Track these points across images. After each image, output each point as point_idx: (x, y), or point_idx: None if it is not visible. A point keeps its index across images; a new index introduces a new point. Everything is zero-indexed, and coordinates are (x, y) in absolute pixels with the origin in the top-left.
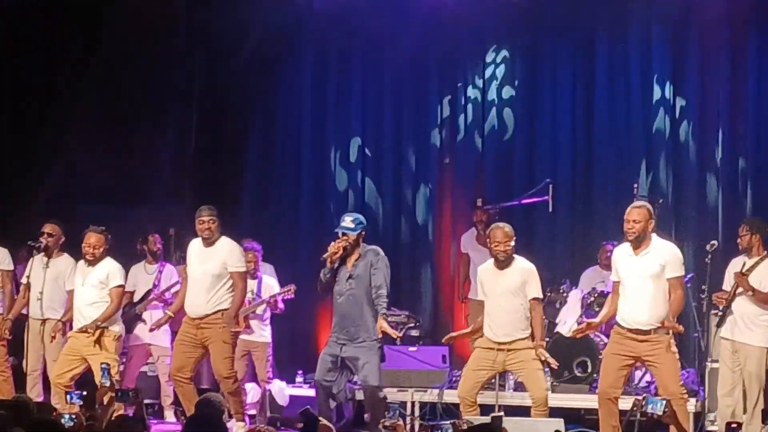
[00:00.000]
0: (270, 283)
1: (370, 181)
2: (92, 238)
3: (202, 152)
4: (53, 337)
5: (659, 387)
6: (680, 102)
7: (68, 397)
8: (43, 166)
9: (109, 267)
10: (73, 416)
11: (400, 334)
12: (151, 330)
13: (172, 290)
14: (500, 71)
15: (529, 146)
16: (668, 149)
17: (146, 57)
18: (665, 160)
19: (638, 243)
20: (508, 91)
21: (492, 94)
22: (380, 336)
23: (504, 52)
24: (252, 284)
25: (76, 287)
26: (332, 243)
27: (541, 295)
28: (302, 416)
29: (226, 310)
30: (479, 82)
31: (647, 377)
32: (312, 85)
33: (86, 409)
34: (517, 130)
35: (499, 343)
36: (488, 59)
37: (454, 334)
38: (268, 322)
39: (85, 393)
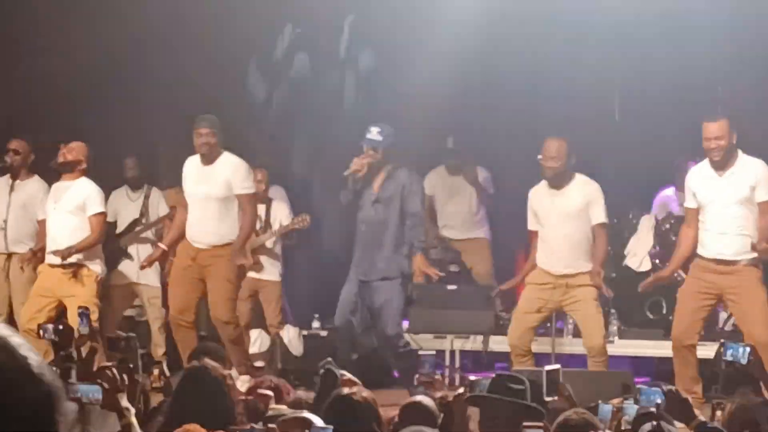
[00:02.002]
0: (281, 210)
1: None
2: (72, 145)
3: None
4: (22, 269)
5: (743, 332)
6: None
7: (41, 331)
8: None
9: (87, 189)
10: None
11: (442, 273)
12: (143, 267)
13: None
14: None
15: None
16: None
17: None
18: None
19: (724, 163)
20: None
21: None
22: (416, 275)
23: None
24: (260, 210)
25: (48, 212)
26: (355, 159)
27: (607, 220)
28: (322, 370)
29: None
30: None
31: (733, 319)
32: None
33: (61, 346)
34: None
35: (558, 276)
36: None
37: (504, 286)
38: (279, 256)
39: (61, 327)
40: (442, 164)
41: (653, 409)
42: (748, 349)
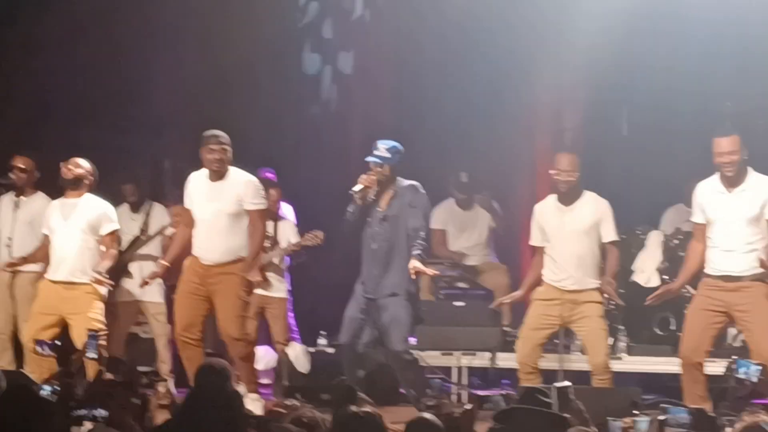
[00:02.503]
0: (288, 226)
1: None
2: (76, 161)
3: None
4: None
5: (751, 350)
6: None
7: (38, 347)
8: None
9: (100, 207)
10: (55, 386)
11: (437, 272)
12: (144, 284)
13: (166, 233)
14: None
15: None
16: None
17: None
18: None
19: (735, 179)
20: None
21: None
22: (413, 277)
23: None
24: (269, 226)
25: (57, 229)
26: (362, 176)
27: (617, 237)
28: (335, 389)
29: (245, 257)
30: None
31: (742, 335)
32: None
33: (61, 363)
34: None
35: (566, 292)
36: None
37: (505, 299)
38: (285, 272)
39: (59, 343)
40: (452, 198)
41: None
42: (759, 367)
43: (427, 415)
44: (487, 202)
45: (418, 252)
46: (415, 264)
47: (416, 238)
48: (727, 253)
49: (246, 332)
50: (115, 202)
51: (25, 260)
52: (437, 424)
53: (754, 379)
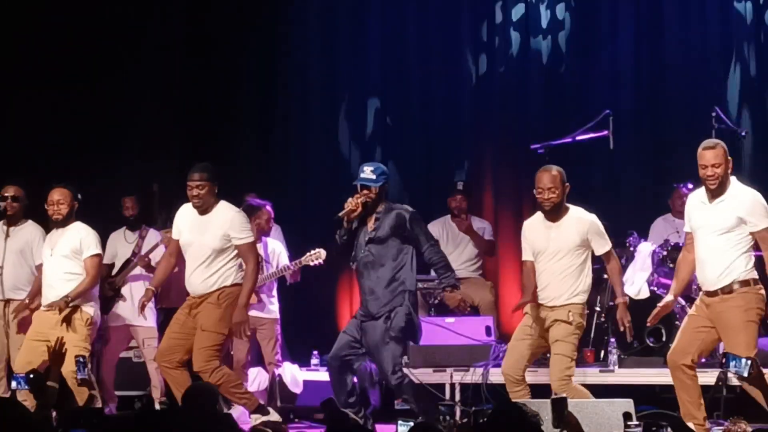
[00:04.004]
0: (276, 248)
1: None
2: (56, 195)
3: (192, 99)
4: (15, 317)
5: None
6: None
7: (13, 383)
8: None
9: (82, 232)
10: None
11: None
12: (141, 311)
13: (154, 254)
14: None
15: (584, 71)
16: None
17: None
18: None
19: (718, 191)
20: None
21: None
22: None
23: None
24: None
25: (45, 258)
26: (350, 199)
27: (610, 245)
28: (325, 409)
29: (228, 287)
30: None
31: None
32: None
33: (36, 394)
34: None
35: (548, 308)
36: None
37: (519, 304)
38: (275, 294)
39: (31, 375)
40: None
41: None
42: (750, 362)
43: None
44: (464, 224)
45: (450, 285)
46: (453, 297)
47: (439, 270)
48: (703, 263)
49: (210, 364)
50: (107, 227)
51: (33, 299)
52: (437, 428)
53: (745, 373)
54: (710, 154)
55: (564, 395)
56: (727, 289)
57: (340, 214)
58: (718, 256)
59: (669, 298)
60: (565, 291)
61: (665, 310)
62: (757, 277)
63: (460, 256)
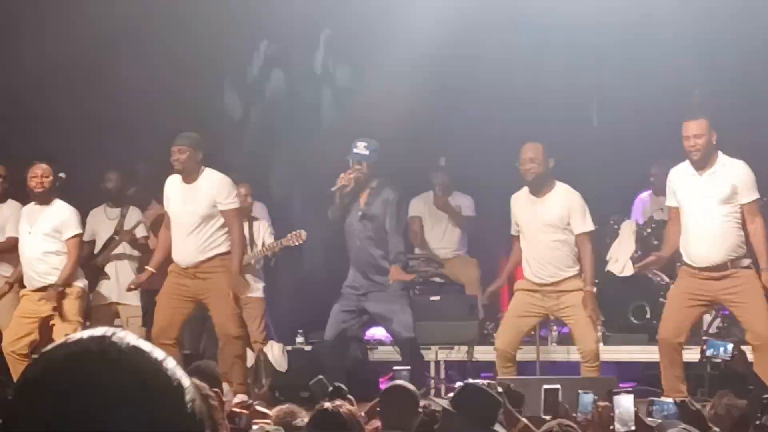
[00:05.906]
0: (262, 226)
1: None
2: (38, 169)
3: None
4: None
5: (746, 332)
6: None
7: None
8: None
9: (63, 212)
10: None
11: (413, 276)
12: (129, 289)
13: (138, 231)
14: None
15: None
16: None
17: None
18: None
19: (704, 162)
20: None
21: None
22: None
23: None
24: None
25: (22, 235)
26: (342, 174)
27: (590, 228)
28: (314, 388)
29: (223, 254)
30: None
31: (718, 322)
32: None
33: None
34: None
35: (543, 285)
36: None
37: (491, 287)
38: (261, 272)
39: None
40: (430, 189)
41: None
42: (730, 345)
43: (402, 382)
44: (441, 200)
45: (396, 258)
46: (393, 274)
47: (389, 241)
48: (702, 238)
49: (244, 329)
50: (89, 205)
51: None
52: (412, 389)
53: (727, 357)
54: (693, 125)
55: (557, 386)
56: (738, 264)
57: (333, 189)
58: (716, 229)
59: (662, 253)
60: (562, 265)
61: (656, 261)
62: None
63: (442, 232)
